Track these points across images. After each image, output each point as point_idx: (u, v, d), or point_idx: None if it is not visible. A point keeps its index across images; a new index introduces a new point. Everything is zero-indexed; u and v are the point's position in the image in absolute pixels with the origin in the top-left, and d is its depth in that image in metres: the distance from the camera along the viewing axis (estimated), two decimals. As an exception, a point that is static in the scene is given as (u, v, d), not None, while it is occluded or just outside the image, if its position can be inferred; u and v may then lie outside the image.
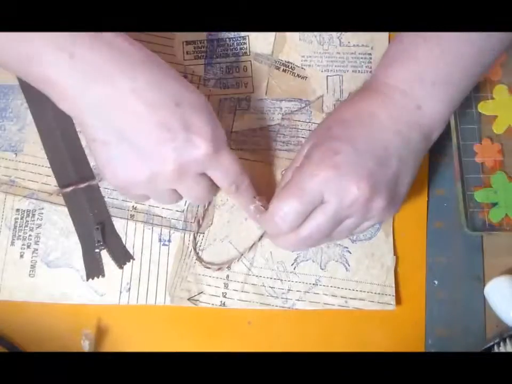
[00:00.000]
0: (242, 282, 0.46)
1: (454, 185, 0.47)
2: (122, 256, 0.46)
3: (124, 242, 0.46)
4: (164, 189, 0.39)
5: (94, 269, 0.46)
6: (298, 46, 0.50)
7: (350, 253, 0.46)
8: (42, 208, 0.47)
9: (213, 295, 0.45)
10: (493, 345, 0.42)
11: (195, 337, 0.45)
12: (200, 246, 0.46)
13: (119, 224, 0.47)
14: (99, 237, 0.46)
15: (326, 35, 0.50)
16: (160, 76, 0.36)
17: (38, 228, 0.47)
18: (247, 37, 0.50)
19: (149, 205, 0.47)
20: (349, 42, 0.50)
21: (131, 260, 0.46)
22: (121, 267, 0.46)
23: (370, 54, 0.50)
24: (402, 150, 0.39)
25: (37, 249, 0.46)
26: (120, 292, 0.46)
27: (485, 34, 0.38)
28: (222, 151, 0.38)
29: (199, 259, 0.46)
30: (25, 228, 0.47)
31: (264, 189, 0.46)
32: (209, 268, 0.46)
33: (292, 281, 0.46)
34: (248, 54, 0.49)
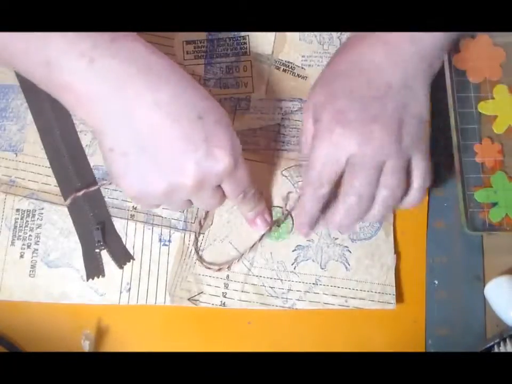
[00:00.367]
0: (242, 282, 0.46)
1: (454, 185, 0.47)
2: (122, 256, 0.46)
3: (124, 242, 0.46)
4: (180, 200, 0.39)
5: (94, 269, 0.46)
6: (298, 46, 0.50)
7: (350, 252, 0.46)
8: (43, 208, 0.47)
9: (213, 295, 0.45)
10: (493, 345, 0.42)
11: (195, 337, 0.45)
12: (200, 246, 0.46)
13: (119, 224, 0.47)
14: (99, 237, 0.46)
15: (326, 35, 0.50)
16: (182, 88, 0.36)
17: (38, 228, 0.47)
18: (247, 37, 0.50)
19: (149, 205, 0.47)
20: (349, 42, 0.50)
21: (131, 260, 0.46)
22: (121, 267, 0.46)
23: (370, 53, 0.50)
24: (405, 80, 0.38)
25: (37, 249, 0.46)
26: (120, 292, 0.46)
27: None
28: (238, 164, 0.38)
29: (200, 259, 0.46)
30: (25, 228, 0.47)
31: (264, 189, 0.47)
32: (209, 268, 0.46)
33: (292, 281, 0.46)
34: (248, 53, 0.49)
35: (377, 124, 0.37)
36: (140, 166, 0.36)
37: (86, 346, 0.44)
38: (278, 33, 0.50)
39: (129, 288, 0.46)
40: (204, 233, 0.46)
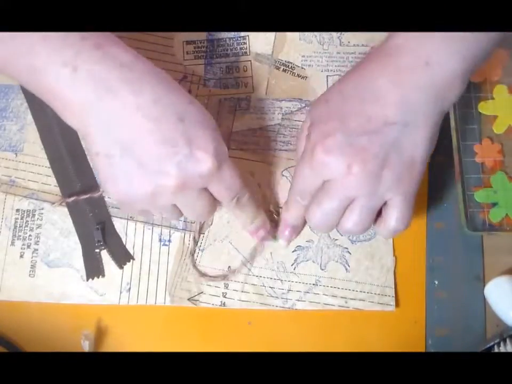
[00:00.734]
0: (242, 282, 0.46)
1: (454, 185, 0.47)
2: (122, 256, 0.46)
3: (124, 242, 0.46)
4: (165, 204, 0.38)
5: (94, 269, 0.46)
6: (298, 45, 0.50)
7: (350, 253, 0.46)
8: (42, 208, 0.47)
9: (213, 295, 0.45)
10: (493, 345, 0.42)
11: (195, 337, 0.45)
12: (200, 246, 0.46)
13: (119, 224, 0.47)
14: (99, 237, 0.46)
15: (326, 35, 0.50)
16: (164, 91, 0.36)
17: (38, 228, 0.47)
18: (247, 37, 0.50)
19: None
20: (349, 42, 0.50)
21: (131, 260, 0.46)
22: (121, 267, 0.46)
23: (370, 53, 0.50)
24: (406, 115, 0.37)
25: (37, 249, 0.46)
26: (120, 292, 0.46)
27: None
28: (224, 166, 0.38)
29: (195, 268, 0.46)
30: (25, 228, 0.47)
31: (263, 189, 0.47)
32: (203, 276, 0.46)
33: (292, 282, 0.46)
34: (248, 54, 0.49)
35: (357, 159, 0.36)
36: (124, 168, 0.36)
37: (85, 347, 0.44)
38: (278, 33, 0.50)
39: (129, 288, 0.46)
40: (203, 233, 0.46)
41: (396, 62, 0.37)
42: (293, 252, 0.46)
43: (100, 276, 0.46)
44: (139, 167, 0.36)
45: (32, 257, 0.46)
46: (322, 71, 0.49)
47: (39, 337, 0.45)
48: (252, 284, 0.46)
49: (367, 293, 0.46)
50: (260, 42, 0.50)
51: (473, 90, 0.49)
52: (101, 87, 0.35)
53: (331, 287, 0.46)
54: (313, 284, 0.46)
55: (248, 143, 0.48)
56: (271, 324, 0.45)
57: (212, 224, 0.47)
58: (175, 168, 0.36)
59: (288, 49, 0.50)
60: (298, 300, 0.45)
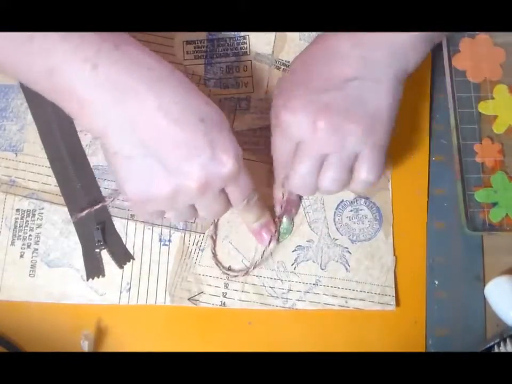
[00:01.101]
0: (242, 282, 0.46)
1: (454, 185, 0.47)
2: (122, 256, 0.46)
3: (124, 242, 0.46)
4: (183, 205, 0.38)
5: (94, 269, 0.46)
6: (298, 45, 0.50)
7: (350, 253, 0.46)
8: (43, 208, 0.47)
9: (213, 295, 0.45)
10: (493, 345, 0.42)
11: (195, 337, 0.45)
12: (200, 246, 0.46)
13: (119, 224, 0.47)
14: (99, 236, 0.46)
15: (326, 35, 0.50)
16: (183, 92, 0.36)
17: (38, 227, 0.47)
18: (247, 37, 0.50)
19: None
20: (348, 42, 0.50)
21: (131, 260, 0.46)
22: (121, 267, 0.46)
23: (370, 54, 0.50)
24: (365, 71, 0.39)
25: (37, 249, 0.46)
26: (120, 292, 0.46)
27: None
28: (241, 169, 0.38)
29: (219, 264, 0.46)
30: (26, 228, 0.47)
31: (264, 189, 0.46)
32: (227, 274, 0.46)
33: (292, 281, 0.46)
34: (248, 53, 0.49)
35: (321, 115, 0.38)
36: (144, 169, 0.36)
37: (85, 347, 0.44)
38: (278, 33, 0.50)
39: (129, 288, 0.46)
40: (204, 233, 0.46)
41: (353, 36, 0.39)
42: (293, 251, 0.46)
43: (100, 276, 0.46)
44: (161, 167, 0.36)
45: (32, 257, 0.46)
46: (322, 71, 0.49)
47: (39, 337, 0.45)
48: (252, 284, 0.46)
49: (367, 292, 0.46)
50: (260, 42, 0.49)
51: (473, 90, 0.49)
52: (121, 87, 0.35)
53: (331, 286, 0.46)
54: (314, 284, 0.46)
55: (248, 143, 0.48)
56: (271, 323, 0.45)
57: (212, 224, 0.46)
58: (198, 170, 0.36)
59: (289, 49, 0.50)
60: (298, 300, 0.45)
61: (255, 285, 0.46)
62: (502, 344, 0.42)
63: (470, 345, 0.44)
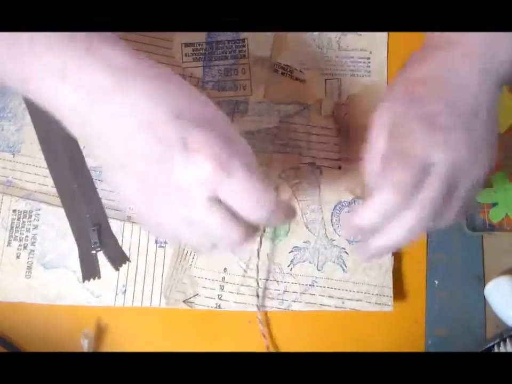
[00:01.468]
0: (238, 284, 0.45)
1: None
2: (118, 258, 0.46)
3: (120, 244, 0.46)
4: (176, 218, 0.33)
5: (90, 271, 0.46)
6: (296, 49, 0.50)
7: (347, 253, 0.46)
8: (39, 209, 0.47)
9: (208, 297, 0.45)
10: (493, 345, 0.42)
11: (195, 337, 0.45)
12: (196, 247, 0.46)
13: (115, 226, 0.47)
14: (95, 238, 0.46)
15: (324, 39, 0.50)
16: (161, 88, 0.32)
17: (34, 228, 0.46)
18: (245, 40, 0.50)
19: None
20: (347, 46, 0.50)
21: (127, 262, 0.46)
22: (117, 269, 0.46)
23: (368, 58, 0.50)
24: (488, 100, 0.35)
25: (33, 250, 0.46)
26: (116, 294, 0.45)
27: None
28: (235, 172, 0.31)
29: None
30: (22, 229, 0.46)
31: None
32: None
33: (288, 283, 0.45)
34: (247, 56, 0.50)
35: (466, 140, 0.34)
36: (126, 182, 0.33)
37: (85, 345, 0.44)
38: (277, 37, 0.50)
39: (125, 290, 0.45)
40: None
41: (467, 50, 0.36)
42: (289, 252, 0.46)
43: (96, 278, 0.46)
44: (137, 178, 0.32)
45: (28, 258, 0.46)
46: (320, 74, 0.49)
47: (39, 337, 0.45)
48: (248, 286, 0.45)
49: (365, 293, 0.45)
50: (258, 45, 0.50)
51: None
52: (92, 95, 0.31)
53: (328, 287, 0.45)
54: (310, 285, 0.45)
55: (246, 145, 0.48)
56: (270, 323, 0.45)
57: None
58: (171, 175, 0.31)
59: (287, 52, 0.50)
60: (294, 301, 0.45)
61: (250, 286, 0.45)
62: (502, 344, 0.41)
63: (470, 345, 0.44)
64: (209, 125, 0.32)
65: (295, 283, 0.45)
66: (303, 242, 0.46)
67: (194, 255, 0.46)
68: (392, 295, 0.45)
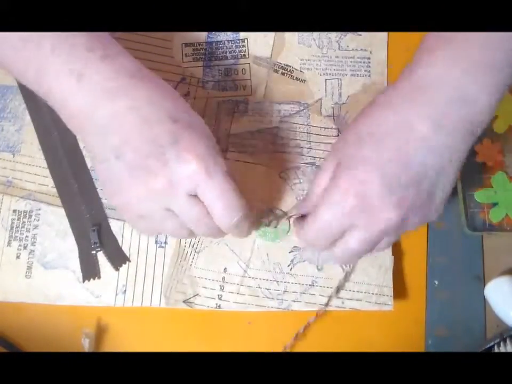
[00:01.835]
0: (238, 284, 0.45)
1: (454, 185, 0.46)
2: (118, 258, 0.46)
3: (120, 244, 0.46)
4: (159, 208, 0.36)
5: (90, 271, 0.46)
6: (297, 49, 0.50)
7: (348, 253, 0.45)
8: (39, 209, 0.47)
9: (208, 297, 0.45)
10: (493, 345, 0.42)
11: (195, 337, 0.45)
12: (196, 248, 0.46)
13: (115, 226, 0.46)
14: (95, 238, 0.46)
15: (324, 39, 0.50)
16: (161, 95, 0.37)
17: (34, 228, 0.46)
18: (246, 40, 0.50)
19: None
20: (347, 46, 0.50)
21: (127, 262, 0.46)
22: (117, 269, 0.46)
23: (369, 58, 0.50)
24: (443, 161, 0.35)
25: (33, 250, 0.46)
26: (116, 294, 0.45)
27: None
28: (216, 175, 0.36)
29: None
30: (22, 229, 0.46)
31: (260, 192, 0.46)
32: None
33: (288, 283, 0.45)
34: (247, 56, 0.50)
35: (391, 212, 0.35)
36: (117, 172, 0.36)
37: (86, 345, 0.44)
38: (277, 37, 0.50)
39: (125, 290, 0.45)
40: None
41: (434, 98, 0.35)
42: (289, 252, 0.46)
43: (96, 278, 0.46)
44: (129, 169, 0.35)
45: (28, 258, 0.46)
46: (321, 74, 0.49)
47: (39, 337, 0.45)
48: (248, 286, 0.45)
49: (365, 293, 0.45)
50: (258, 45, 0.50)
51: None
52: (100, 95, 0.35)
53: (328, 287, 0.45)
54: (310, 285, 0.45)
55: (246, 145, 0.48)
56: (270, 323, 0.45)
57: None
58: (162, 168, 0.35)
59: (287, 52, 0.50)
60: (294, 301, 0.45)
61: (250, 286, 0.45)
62: (502, 344, 0.41)
63: (470, 345, 0.44)
64: (200, 132, 0.37)
65: (295, 283, 0.45)
66: (304, 242, 0.46)
67: (194, 255, 0.46)
68: (392, 295, 0.45)
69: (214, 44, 0.50)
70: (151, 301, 0.45)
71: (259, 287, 0.45)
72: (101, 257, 0.46)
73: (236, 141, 0.48)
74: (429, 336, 0.45)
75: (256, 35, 0.50)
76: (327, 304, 0.45)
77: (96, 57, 0.35)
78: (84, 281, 0.45)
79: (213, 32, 0.50)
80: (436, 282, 0.46)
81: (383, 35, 0.50)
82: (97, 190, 0.47)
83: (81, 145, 0.48)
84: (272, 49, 0.50)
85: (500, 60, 0.35)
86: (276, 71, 0.49)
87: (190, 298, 0.45)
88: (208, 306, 0.45)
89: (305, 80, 0.49)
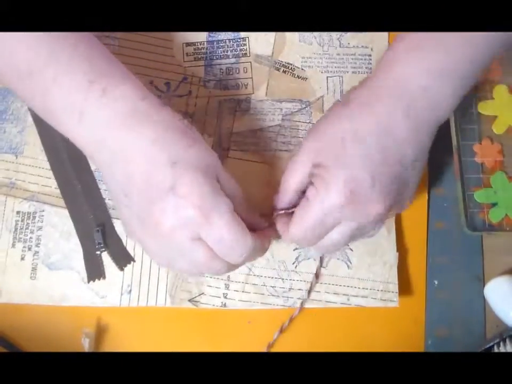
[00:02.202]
0: (243, 282, 0.46)
1: (454, 186, 0.47)
2: (123, 258, 0.46)
3: (124, 244, 0.46)
4: (168, 250, 0.37)
5: (95, 271, 0.46)
6: (298, 47, 0.50)
7: (352, 250, 0.46)
8: (43, 211, 0.47)
9: (213, 296, 0.45)
10: (493, 345, 0.42)
11: (196, 337, 0.45)
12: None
13: (119, 226, 0.47)
14: (100, 239, 0.46)
15: (325, 36, 0.50)
16: (164, 134, 0.35)
17: (38, 230, 0.47)
18: (247, 38, 0.50)
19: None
20: (348, 43, 0.50)
21: (132, 262, 0.46)
22: (122, 269, 0.46)
23: (370, 55, 0.50)
24: (415, 157, 0.37)
25: (37, 252, 0.46)
26: (121, 294, 0.46)
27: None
28: (215, 219, 0.35)
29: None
30: (26, 230, 0.47)
31: (264, 190, 0.47)
32: None
33: (293, 280, 0.46)
34: (248, 55, 0.50)
35: (378, 207, 0.37)
36: (126, 212, 0.37)
37: (86, 345, 0.44)
38: (278, 35, 0.50)
39: (130, 290, 0.46)
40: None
41: (410, 102, 0.37)
42: (294, 250, 0.46)
43: (101, 278, 0.46)
44: (137, 214, 0.36)
45: (33, 260, 0.46)
46: (322, 72, 0.49)
47: (40, 337, 0.45)
48: (253, 284, 0.46)
49: (370, 289, 0.46)
50: (259, 44, 0.50)
51: (473, 90, 0.49)
52: (103, 133, 0.35)
53: (333, 284, 0.46)
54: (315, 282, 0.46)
55: (248, 144, 0.48)
56: (271, 323, 0.45)
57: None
58: (163, 215, 0.35)
59: (288, 50, 0.50)
60: (299, 298, 0.45)
61: (255, 284, 0.46)
62: (502, 344, 0.41)
63: (470, 345, 0.44)
64: (202, 170, 0.35)
65: (300, 280, 0.46)
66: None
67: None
68: (397, 291, 0.45)
69: (215, 43, 0.49)
70: (156, 300, 0.45)
71: (264, 285, 0.46)
72: (106, 257, 0.46)
73: (238, 140, 0.48)
74: (429, 336, 0.45)
75: (257, 34, 0.50)
76: (309, 292, 0.45)
77: (97, 92, 0.35)
78: (88, 281, 0.46)
79: (214, 32, 0.50)
80: (436, 282, 0.46)
81: (384, 32, 0.50)
82: (101, 190, 0.47)
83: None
84: (273, 48, 0.50)
85: (465, 68, 0.37)
86: (277, 69, 0.49)
87: (195, 297, 0.45)
88: (214, 305, 0.45)
89: (306, 78, 0.49)
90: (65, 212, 0.47)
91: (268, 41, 0.50)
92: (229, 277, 0.46)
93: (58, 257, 0.46)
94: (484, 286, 0.45)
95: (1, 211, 0.47)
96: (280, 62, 0.50)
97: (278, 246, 0.46)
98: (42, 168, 0.47)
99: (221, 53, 0.49)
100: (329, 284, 0.46)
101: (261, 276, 0.46)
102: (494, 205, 0.47)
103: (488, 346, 0.43)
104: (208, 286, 0.46)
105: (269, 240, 0.40)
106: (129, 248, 0.46)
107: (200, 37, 0.49)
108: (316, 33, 0.50)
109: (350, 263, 0.46)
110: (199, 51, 0.49)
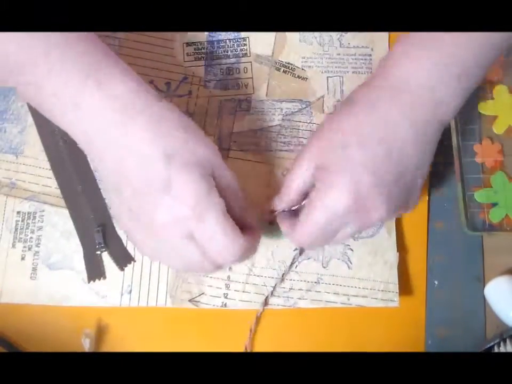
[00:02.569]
0: (243, 282, 0.46)
1: (454, 186, 0.47)
2: (123, 258, 0.46)
3: (124, 244, 0.46)
4: (161, 247, 0.37)
5: (95, 271, 0.46)
6: (298, 47, 0.50)
7: (352, 250, 0.46)
8: (43, 211, 0.47)
9: (214, 296, 0.45)
10: (493, 345, 0.42)
11: (196, 337, 0.45)
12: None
13: (120, 226, 0.47)
14: (100, 239, 0.46)
15: (326, 36, 0.50)
16: (159, 128, 0.35)
17: (39, 230, 0.47)
18: (247, 38, 0.50)
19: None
20: (349, 43, 0.50)
21: (132, 262, 0.46)
22: (122, 269, 0.46)
23: (370, 55, 0.50)
24: (419, 157, 0.38)
25: (38, 252, 0.46)
26: (122, 294, 0.46)
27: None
28: (208, 218, 0.35)
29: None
30: (26, 230, 0.47)
31: (264, 190, 0.47)
32: None
33: (294, 280, 0.46)
34: (249, 55, 0.50)
35: (382, 207, 0.37)
36: (120, 207, 0.37)
37: (86, 345, 0.44)
38: (278, 35, 0.50)
39: (130, 290, 0.46)
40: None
41: (413, 101, 0.37)
42: (294, 250, 0.46)
43: (101, 278, 0.46)
44: (129, 209, 0.36)
45: (33, 260, 0.46)
46: (322, 72, 0.49)
47: (40, 337, 0.45)
48: (253, 284, 0.46)
49: (370, 289, 0.46)
50: (260, 44, 0.50)
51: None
52: (98, 125, 0.35)
53: (333, 284, 0.46)
54: (315, 282, 0.46)
55: (248, 143, 0.48)
56: (272, 323, 0.45)
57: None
58: (156, 212, 0.35)
59: (289, 50, 0.50)
60: (299, 298, 0.45)
61: (256, 284, 0.46)
62: (502, 344, 0.41)
63: (470, 345, 0.44)
64: (197, 165, 0.35)
65: (301, 280, 0.46)
66: (308, 240, 0.46)
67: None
68: (397, 291, 0.45)
69: (215, 43, 0.50)
70: (156, 300, 0.45)
71: (264, 285, 0.46)
72: (106, 257, 0.46)
73: (238, 140, 0.48)
74: (429, 336, 0.45)
75: (257, 33, 0.50)
76: (274, 288, 0.45)
77: (93, 85, 0.35)
78: (89, 281, 0.46)
79: (214, 31, 0.50)
80: (436, 282, 0.46)
81: (384, 32, 0.50)
82: (101, 190, 0.47)
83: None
84: (273, 48, 0.50)
85: (468, 68, 0.37)
86: (278, 69, 0.49)
87: (195, 297, 0.45)
88: (214, 305, 0.45)
89: (307, 78, 0.49)
90: (66, 212, 0.47)
91: (268, 41, 0.50)
92: (229, 277, 0.46)
93: (59, 257, 0.46)
94: (484, 286, 0.45)
95: (1, 211, 0.47)
96: (280, 62, 0.50)
97: (278, 246, 0.46)
98: (43, 168, 0.47)
99: (221, 53, 0.49)
100: (329, 283, 0.46)
101: (261, 276, 0.46)
102: (494, 205, 0.47)
103: (488, 346, 0.42)
104: (208, 286, 0.46)
105: (258, 241, 0.40)
106: (130, 248, 0.46)
107: (201, 37, 0.49)
108: (316, 33, 0.50)
109: (351, 263, 0.46)
110: (200, 51, 0.49)
